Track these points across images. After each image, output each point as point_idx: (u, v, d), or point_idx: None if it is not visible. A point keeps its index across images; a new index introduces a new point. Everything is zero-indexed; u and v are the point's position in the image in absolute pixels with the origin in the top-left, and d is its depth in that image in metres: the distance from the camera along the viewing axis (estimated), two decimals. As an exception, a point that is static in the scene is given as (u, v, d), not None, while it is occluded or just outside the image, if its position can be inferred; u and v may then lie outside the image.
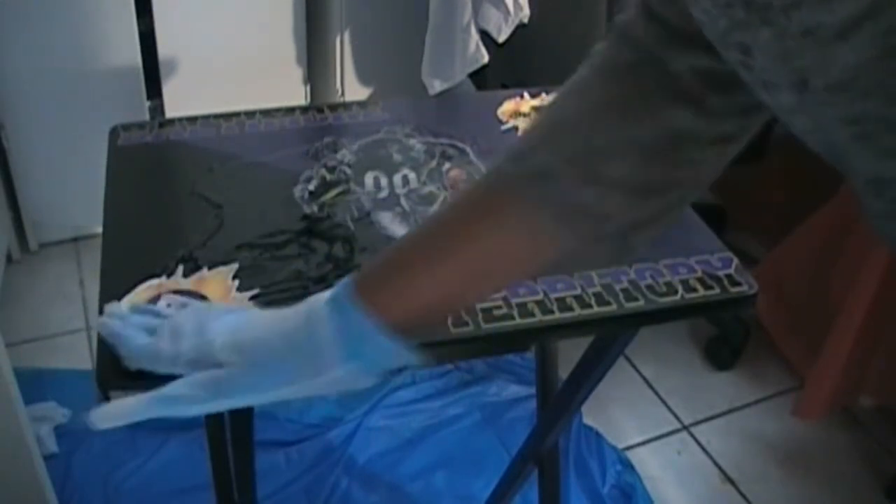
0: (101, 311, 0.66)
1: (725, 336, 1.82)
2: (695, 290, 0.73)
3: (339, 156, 0.88)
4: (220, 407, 0.55)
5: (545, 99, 1.02)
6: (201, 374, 0.54)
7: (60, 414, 1.55)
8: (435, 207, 0.81)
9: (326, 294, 0.53)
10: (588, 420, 1.64)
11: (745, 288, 0.74)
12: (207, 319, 0.56)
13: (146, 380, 0.61)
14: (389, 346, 0.51)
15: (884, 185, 0.41)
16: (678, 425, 1.69)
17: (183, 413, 0.54)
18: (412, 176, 0.86)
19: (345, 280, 0.52)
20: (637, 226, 0.53)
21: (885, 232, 0.45)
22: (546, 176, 0.50)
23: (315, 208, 0.80)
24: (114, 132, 0.91)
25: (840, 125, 0.39)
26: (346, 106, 1.00)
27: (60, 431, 1.52)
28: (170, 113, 1.99)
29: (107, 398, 0.60)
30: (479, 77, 1.60)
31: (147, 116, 1.93)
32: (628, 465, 1.57)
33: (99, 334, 0.62)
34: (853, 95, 0.36)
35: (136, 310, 0.62)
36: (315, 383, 0.53)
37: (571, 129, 0.51)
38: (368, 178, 0.85)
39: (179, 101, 1.98)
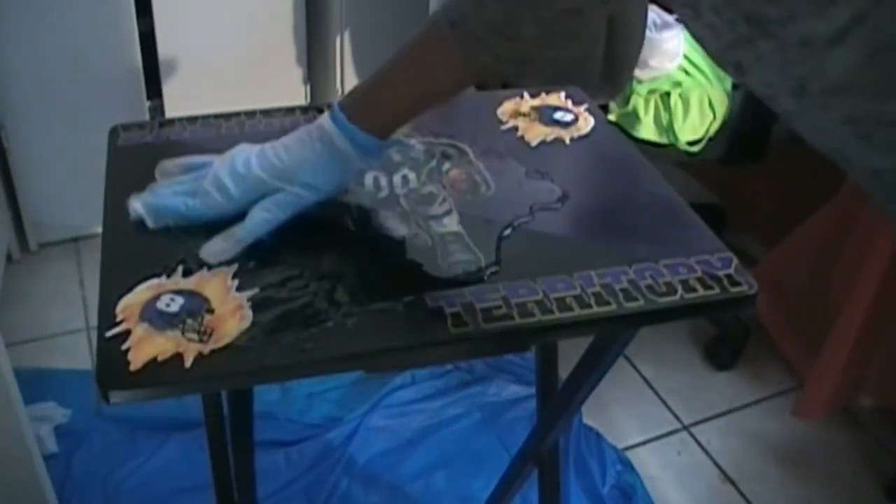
0: (100, 312, 0.66)
1: (725, 336, 1.83)
2: (695, 290, 0.73)
3: (338, 156, 0.88)
4: (287, 216, 0.74)
5: (545, 99, 1.02)
6: (271, 198, 0.73)
7: (60, 414, 1.55)
8: (435, 207, 0.81)
9: (324, 118, 0.74)
10: (588, 420, 1.64)
11: (745, 288, 0.74)
12: (236, 164, 0.74)
13: (146, 380, 0.61)
14: (375, 141, 0.74)
15: (882, 175, 0.44)
16: (678, 425, 1.69)
17: (267, 230, 0.73)
18: (412, 176, 0.86)
19: (335, 104, 0.75)
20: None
21: (892, 212, 0.47)
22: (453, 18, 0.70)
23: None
24: (114, 132, 0.91)
25: (837, 125, 0.42)
26: (346, 106, 0.99)
27: (60, 431, 1.52)
28: (170, 113, 1.99)
29: (107, 398, 0.61)
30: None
31: (147, 116, 1.93)
32: (628, 465, 1.57)
33: (98, 336, 0.62)
34: (847, 97, 0.40)
35: (162, 184, 0.77)
36: (343, 179, 0.77)
37: None
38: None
39: (179, 101, 1.98)
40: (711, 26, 0.44)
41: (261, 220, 0.73)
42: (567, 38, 0.70)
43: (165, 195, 0.76)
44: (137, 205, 0.75)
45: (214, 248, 0.72)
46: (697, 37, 0.47)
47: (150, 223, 0.74)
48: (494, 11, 0.67)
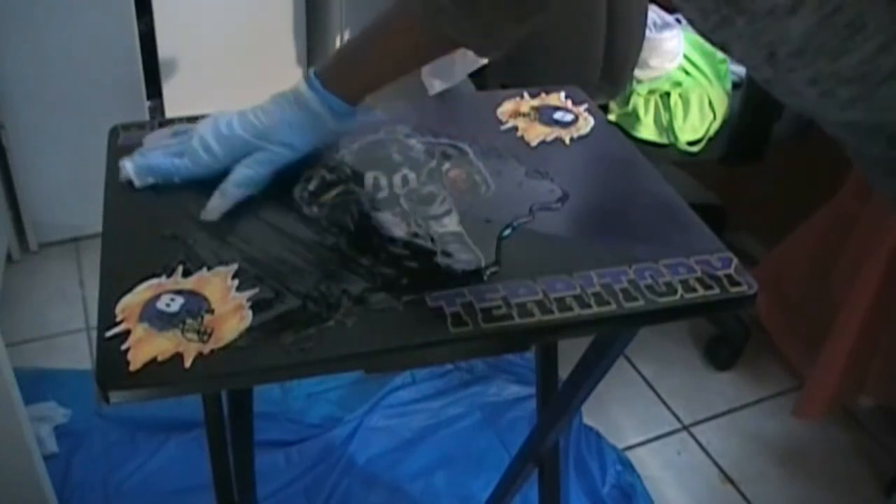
0: (100, 312, 0.66)
1: (725, 336, 1.83)
2: (695, 290, 0.73)
3: (339, 156, 0.88)
4: (268, 172, 0.80)
5: (545, 99, 1.02)
6: (252, 157, 0.79)
7: (60, 414, 1.55)
8: (435, 207, 0.81)
9: (300, 83, 0.80)
10: (588, 420, 1.64)
11: (745, 288, 0.74)
12: (219, 126, 0.80)
13: (146, 380, 0.61)
14: (346, 106, 0.81)
15: (853, 127, 0.51)
16: (678, 425, 1.69)
17: (250, 185, 0.79)
18: (412, 176, 0.86)
19: (311, 71, 0.81)
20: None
21: (869, 157, 0.55)
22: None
23: (315, 209, 0.80)
24: (114, 132, 0.91)
25: (805, 86, 0.49)
26: (346, 106, 0.99)
27: (60, 431, 1.52)
28: (170, 113, 1.99)
29: (107, 398, 0.61)
30: (479, 77, 1.60)
31: (147, 116, 1.93)
32: (628, 465, 1.57)
33: (98, 336, 0.62)
34: (808, 58, 0.47)
35: (150, 147, 0.83)
36: (320, 136, 0.82)
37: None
38: (368, 178, 0.85)
39: (179, 101, 1.98)
40: (701, 10, 0.50)
41: (243, 175, 0.78)
42: (525, 11, 0.75)
43: (154, 156, 0.81)
44: (127, 164, 0.80)
45: (211, 205, 0.77)
46: (689, 18, 0.53)
47: (137, 182, 0.80)
48: None
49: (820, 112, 0.52)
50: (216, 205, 0.78)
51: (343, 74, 0.81)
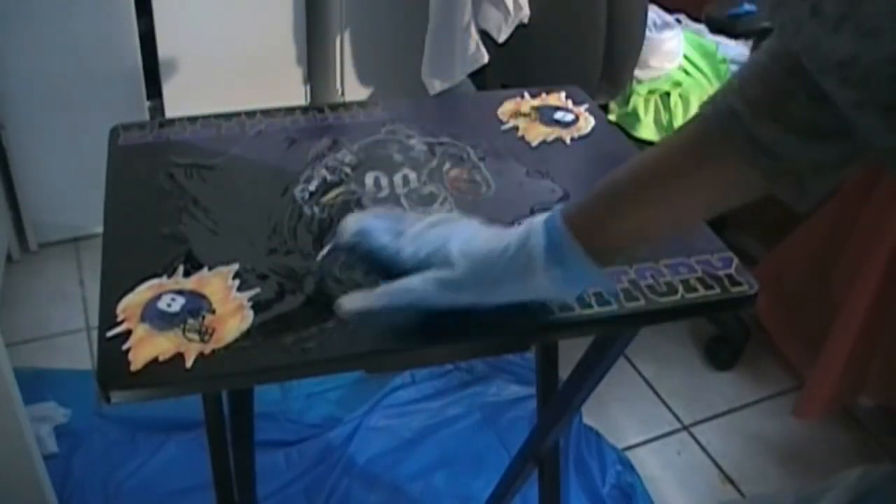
0: (101, 312, 0.66)
1: (725, 336, 1.83)
2: (695, 289, 0.73)
3: (339, 156, 0.88)
4: (442, 303, 0.65)
5: (545, 99, 1.02)
6: (432, 272, 0.65)
7: (60, 414, 1.55)
8: (435, 207, 0.81)
9: (542, 217, 0.64)
10: (588, 420, 1.64)
11: (745, 288, 0.74)
12: (450, 237, 0.66)
13: (147, 380, 0.61)
14: (590, 266, 0.62)
15: (857, 87, 0.47)
16: (678, 425, 1.69)
17: (408, 304, 0.65)
18: (412, 176, 0.86)
19: (558, 208, 0.64)
20: (813, 169, 0.59)
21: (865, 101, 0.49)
22: (732, 115, 0.59)
23: (315, 209, 0.80)
24: (114, 132, 0.91)
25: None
26: (346, 106, 0.99)
27: (60, 431, 1.52)
28: (170, 113, 1.99)
29: (108, 398, 0.61)
30: (479, 77, 1.60)
31: (147, 116, 1.93)
32: (628, 465, 1.57)
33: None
34: None
35: (379, 215, 0.72)
36: (523, 287, 0.63)
37: (757, 76, 0.59)
38: (369, 178, 0.85)
39: (179, 101, 1.98)
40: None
41: (407, 289, 0.66)
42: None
43: (375, 219, 0.72)
44: (352, 221, 0.72)
45: (352, 300, 0.67)
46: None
47: (344, 238, 0.72)
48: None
49: (821, 58, 0.48)
50: (355, 299, 0.67)
51: (596, 221, 0.63)
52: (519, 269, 0.63)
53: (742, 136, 0.58)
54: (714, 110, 0.60)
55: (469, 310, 0.65)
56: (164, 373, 0.61)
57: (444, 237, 0.67)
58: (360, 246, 0.71)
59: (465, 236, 0.66)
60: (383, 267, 0.69)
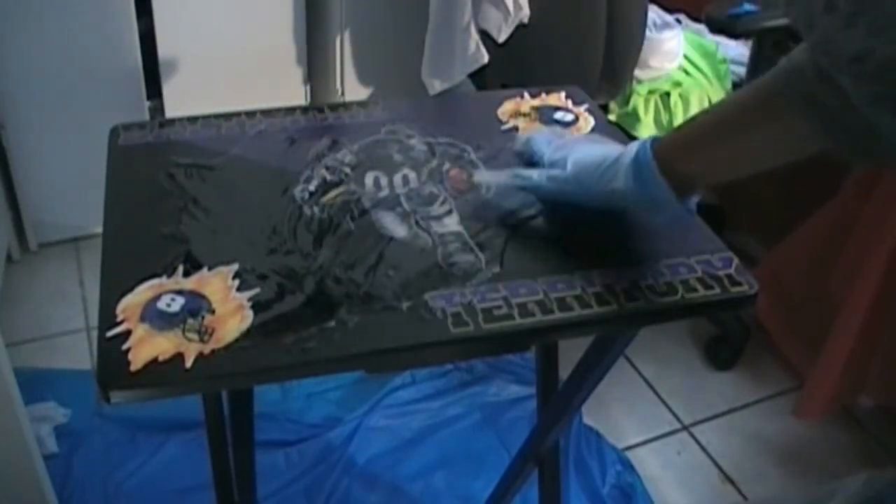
0: (101, 312, 0.66)
1: (725, 336, 1.82)
2: (695, 290, 0.73)
3: (339, 156, 0.88)
4: (549, 193, 0.80)
5: (545, 99, 1.02)
6: (549, 170, 0.80)
7: (60, 414, 1.55)
8: (435, 207, 0.81)
9: (640, 141, 0.73)
10: (588, 420, 1.64)
11: (745, 288, 0.74)
12: (574, 149, 0.80)
13: (147, 380, 0.61)
14: (663, 184, 0.70)
15: (873, 80, 0.49)
16: (678, 425, 1.69)
17: (527, 186, 0.82)
18: (412, 176, 0.86)
19: (651, 137, 0.73)
20: (867, 130, 0.59)
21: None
22: (797, 70, 0.63)
23: (315, 209, 0.80)
24: (114, 132, 0.91)
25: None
26: (346, 106, 0.99)
27: (60, 431, 1.52)
28: (170, 113, 1.99)
29: (107, 398, 0.61)
30: (479, 77, 1.60)
31: (147, 116, 1.93)
32: (628, 465, 1.57)
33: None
34: None
35: (541, 133, 0.88)
36: (610, 195, 0.74)
37: (821, 32, 0.60)
38: (368, 178, 0.85)
39: (179, 101, 1.98)
40: None
41: (528, 176, 0.82)
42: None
43: (541, 135, 0.87)
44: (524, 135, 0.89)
45: (484, 174, 0.85)
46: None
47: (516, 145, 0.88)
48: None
49: (835, 53, 0.49)
50: (492, 178, 0.84)
51: (675, 151, 0.71)
52: (608, 179, 0.74)
53: (804, 92, 0.62)
54: (785, 65, 0.65)
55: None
56: (163, 373, 0.61)
57: (571, 149, 0.80)
58: (525, 153, 0.86)
59: (584, 150, 0.79)
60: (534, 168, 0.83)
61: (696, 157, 0.71)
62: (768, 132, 0.68)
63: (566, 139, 0.86)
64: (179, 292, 0.68)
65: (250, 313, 0.67)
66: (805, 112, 0.63)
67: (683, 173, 0.71)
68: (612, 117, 1.65)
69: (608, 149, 0.77)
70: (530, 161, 0.85)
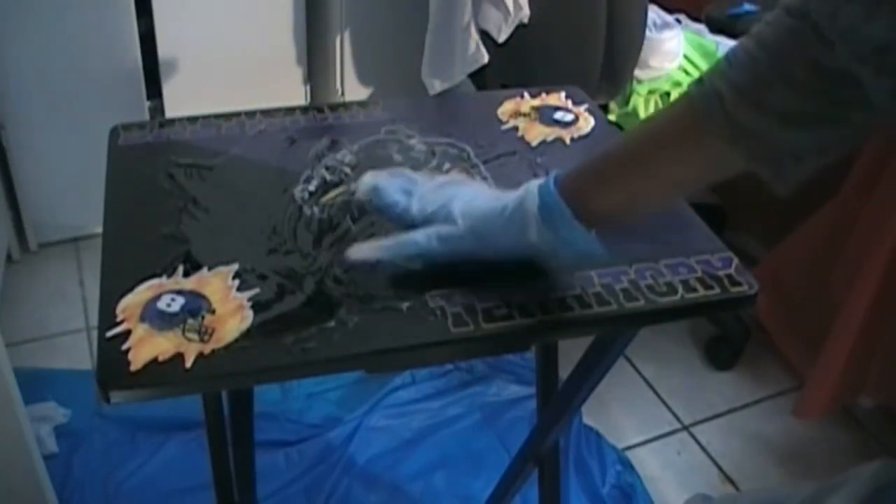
0: (101, 312, 0.66)
1: (725, 336, 1.82)
2: (695, 290, 0.73)
3: (339, 156, 0.88)
4: (443, 256, 0.69)
5: (545, 99, 1.02)
6: (435, 227, 0.69)
7: (60, 414, 1.55)
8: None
9: (537, 182, 0.67)
10: (588, 420, 1.64)
11: (745, 288, 0.74)
12: (454, 197, 0.70)
13: (147, 380, 0.61)
14: (578, 228, 0.65)
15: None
16: (678, 425, 1.69)
17: (412, 255, 0.69)
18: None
19: (553, 173, 0.67)
20: (791, 154, 0.60)
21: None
22: (716, 96, 0.60)
23: (315, 209, 0.80)
24: (114, 132, 0.91)
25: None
26: (346, 106, 1.00)
27: (60, 431, 1.52)
28: (170, 113, 1.99)
29: (107, 398, 0.61)
30: (479, 77, 1.60)
31: (147, 116, 1.93)
32: (628, 465, 1.57)
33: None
34: None
35: (394, 174, 0.75)
36: (518, 245, 0.67)
37: (742, 61, 0.60)
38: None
39: (179, 101, 1.98)
40: None
41: (412, 242, 0.70)
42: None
43: (390, 178, 0.75)
44: (368, 177, 0.75)
45: (359, 250, 0.72)
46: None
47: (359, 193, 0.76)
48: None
49: (858, 44, 0.48)
50: (362, 248, 0.71)
51: (587, 187, 0.66)
52: (514, 229, 0.67)
53: (723, 118, 0.60)
54: (700, 91, 0.62)
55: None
56: (163, 373, 0.61)
57: (449, 197, 0.71)
58: (373, 202, 0.74)
59: (468, 196, 0.70)
60: (393, 222, 0.73)
61: (614, 190, 0.66)
62: (688, 158, 0.64)
63: (420, 182, 0.74)
64: (179, 292, 0.68)
65: (250, 313, 0.67)
66: (727, 137, 0.60)
67: (598, 212, 0.66)
68: (612, 117, 1.65)
69: (495, 194, 0.71)
70: (381, 210, 0.74)
